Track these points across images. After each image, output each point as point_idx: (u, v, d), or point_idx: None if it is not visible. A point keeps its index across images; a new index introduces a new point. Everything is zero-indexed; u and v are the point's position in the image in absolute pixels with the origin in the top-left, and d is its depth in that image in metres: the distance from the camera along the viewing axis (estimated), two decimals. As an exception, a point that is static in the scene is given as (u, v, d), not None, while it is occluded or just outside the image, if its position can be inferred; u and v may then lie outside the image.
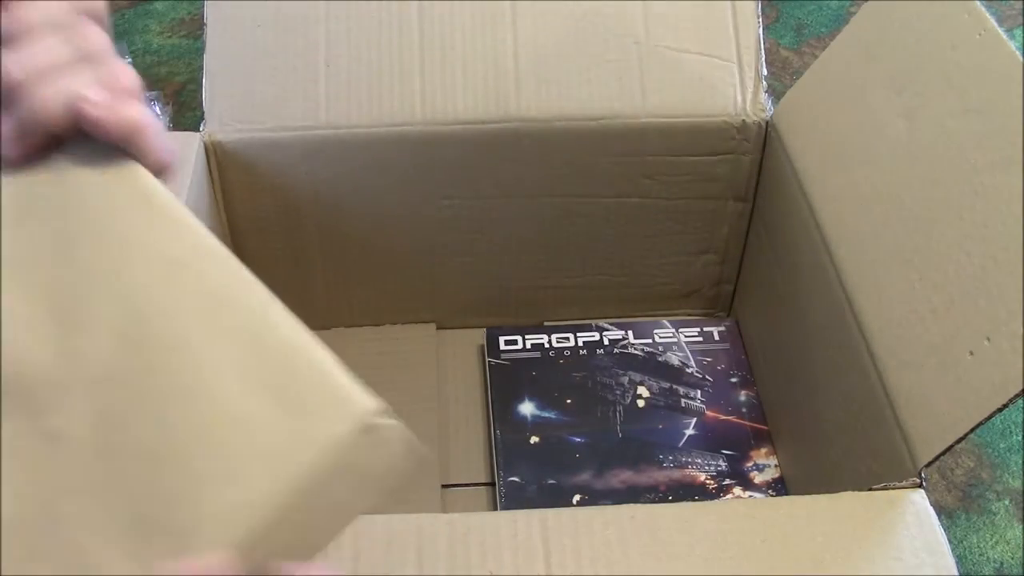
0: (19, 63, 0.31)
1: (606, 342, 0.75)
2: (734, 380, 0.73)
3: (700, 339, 0.76)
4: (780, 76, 1.04)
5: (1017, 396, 0.42)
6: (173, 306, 0.30)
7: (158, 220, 0.31)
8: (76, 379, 0.30)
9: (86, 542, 0.28)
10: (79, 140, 0.32)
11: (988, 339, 0.45)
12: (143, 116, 0.32)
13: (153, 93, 0.94)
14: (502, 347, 0.75)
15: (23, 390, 0.30)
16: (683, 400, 0.72)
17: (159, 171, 0.33)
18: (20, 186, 0.32)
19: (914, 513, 0.45)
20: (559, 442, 0.69)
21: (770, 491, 0.67)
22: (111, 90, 0.32)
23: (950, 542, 0.44)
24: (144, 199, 0.32)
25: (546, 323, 0.78)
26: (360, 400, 0.29)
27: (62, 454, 0.29)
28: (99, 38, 0.33)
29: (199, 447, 0.29)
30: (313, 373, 0.29)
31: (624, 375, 0.73)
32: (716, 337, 0.76)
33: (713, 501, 0.49)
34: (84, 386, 0.30)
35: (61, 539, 0.28)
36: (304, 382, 0.29)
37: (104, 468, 0.29)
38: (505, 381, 0.73)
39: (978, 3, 0.52)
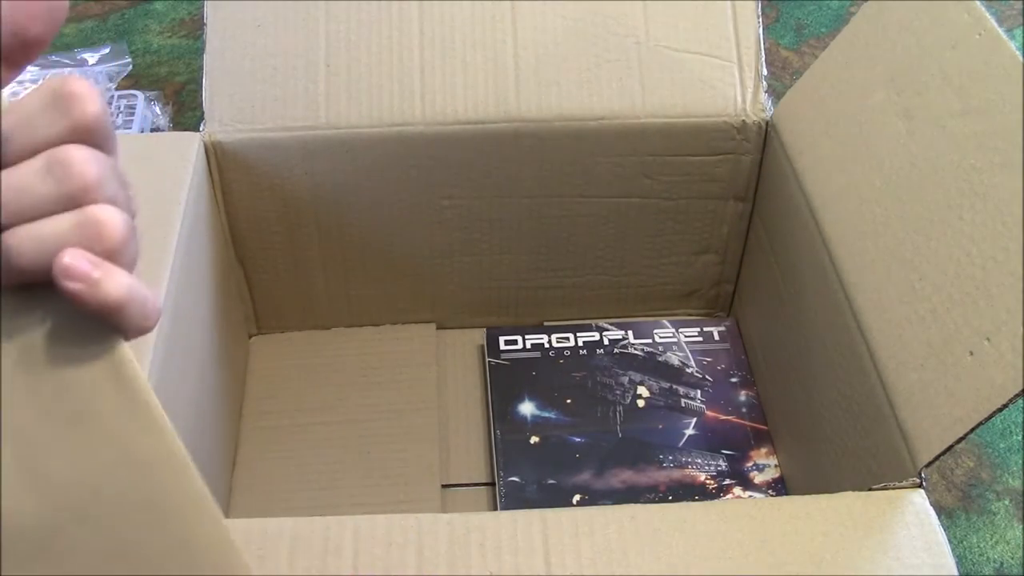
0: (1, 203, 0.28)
1: (606, 342, 0.75)
2: (734, 380, 0.73)
3: (700, 339, 0.76)
4: (780, 76, 1.04)
5: (1017, 396, 0.42)
6: (132, 515, 0.31)
7: (126, 409, 0.31)
8: (49, 548, 0.31)
9: None
10: None
11: (988, 339, 0.45)
12: (124, 293, 0.29)
13: (153, 93, 0.94)
14: (502, 347, 0.75)
15: (12, 548, 0.30)
16: (683, 400, 0.72)
17: (140, 334, 0.31)
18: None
19: (914, 513, 0.45)
20: (559, 442, 0.69)
21: (770, 491, 0.67)
22: (92, 248, 0.28)
23: (950, 542, 0.44)
24: (116, 380, 0.31)
25: (546, 323, 0.78)
26: None
27: None
28: (83, 168, 0.28)
29: None
30: None
31: (624, 375, 0.73)
32: (716, 337, 0.76)
33: (713, 501, 0.49)
34: (53, 559, 0.31)
35: None
36: None
37: None
38: (505, 381, 0.73)
39: (978, 3, 0.52)
